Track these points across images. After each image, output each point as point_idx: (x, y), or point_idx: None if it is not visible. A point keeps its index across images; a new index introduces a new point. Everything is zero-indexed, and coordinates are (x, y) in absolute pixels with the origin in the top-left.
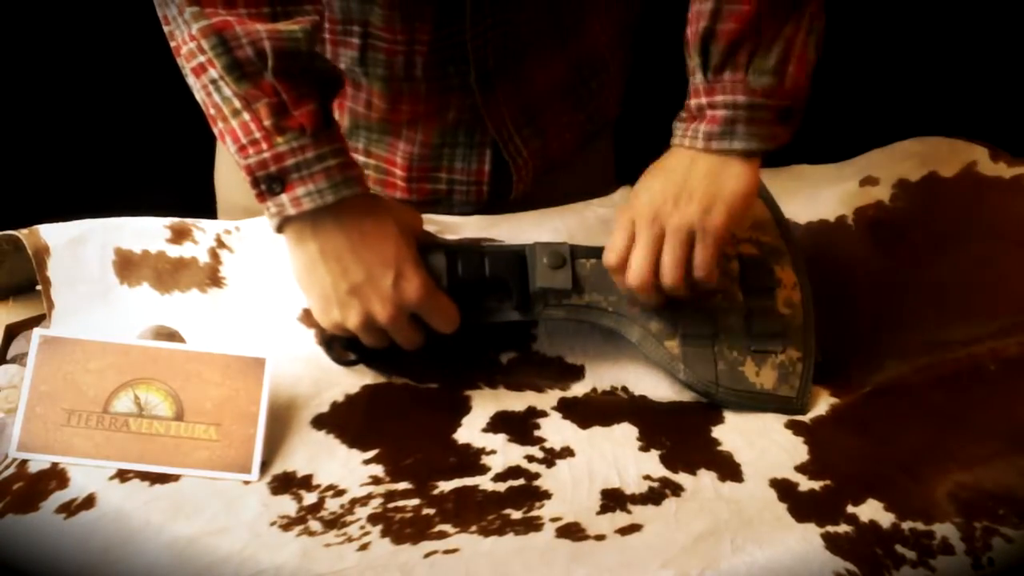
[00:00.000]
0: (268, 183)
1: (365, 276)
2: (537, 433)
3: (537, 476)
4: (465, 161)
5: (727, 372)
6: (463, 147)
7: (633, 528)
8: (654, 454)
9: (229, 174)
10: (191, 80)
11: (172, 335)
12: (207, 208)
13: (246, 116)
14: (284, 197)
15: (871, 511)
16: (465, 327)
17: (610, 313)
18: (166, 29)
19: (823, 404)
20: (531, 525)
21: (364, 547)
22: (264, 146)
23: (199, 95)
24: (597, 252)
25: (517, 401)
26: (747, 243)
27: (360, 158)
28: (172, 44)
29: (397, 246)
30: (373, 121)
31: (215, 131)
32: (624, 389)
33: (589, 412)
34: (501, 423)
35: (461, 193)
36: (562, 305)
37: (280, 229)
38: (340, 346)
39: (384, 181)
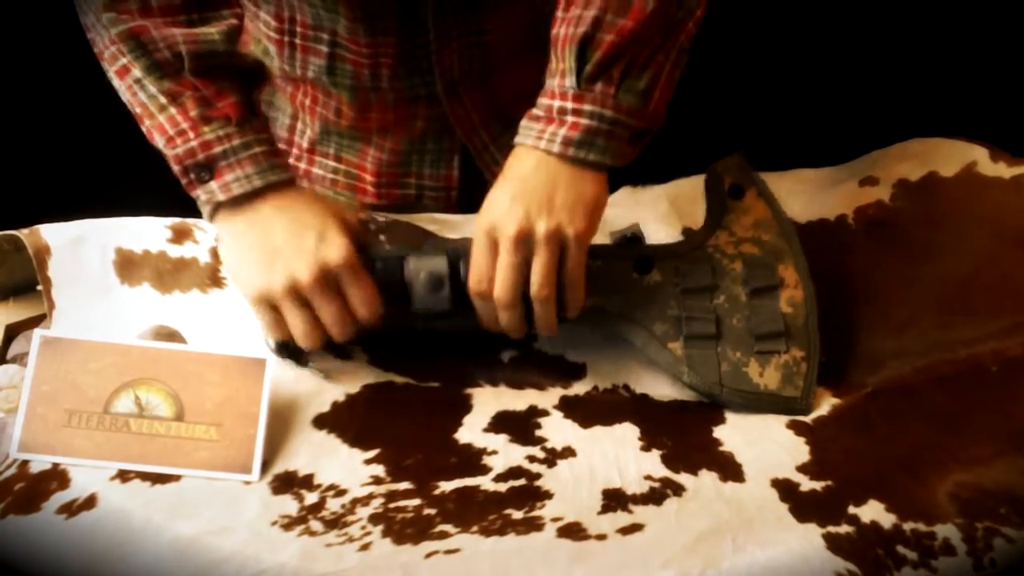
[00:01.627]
0: (197, 171)
1: (288, 236)
2: (538, 433)
3: (538, 476)
4: (434, 167)
5: (731, 373)
6: (432, 154)
7: (634, 528)
8: (655, 454)
9: None
10: (116, 82)
11: (172, 335)
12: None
13: (172, 110)
14: (213, 184)
15: (872, 512)
16: (468, 331)
17: (614, 316)
18: (88, 36)
19: (824, 404)
20: (532, 525)
21: (365, 547)
22: (191, 135)
23: (125, 95)
24: (603, 252)
25: (518, 400)
26: (749, 243)
27: (331, 163)
28: (95, 50)
29: (321, 215)
30: (343, 128)
31: (143, 129)
32: (626, 387)
33: (590, 411)
34: (502, 423)
35: (431, 199)
36: None
37: (212, 217)
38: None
39: (354, 187)
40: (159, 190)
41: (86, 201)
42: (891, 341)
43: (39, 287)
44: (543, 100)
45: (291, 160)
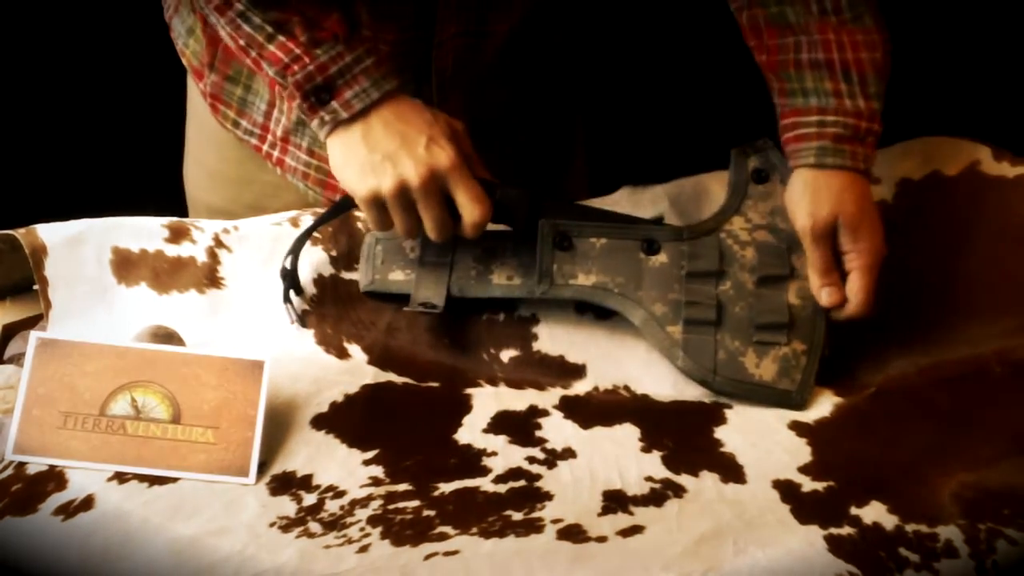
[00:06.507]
0: (317, 94)
1: (400, 141)
2: (538, 434)
3: (538, 477)
4: None
5: (726, 362)
6: None
7: (635, 530)
8: (656, 455)
9: (197, 173)
10: (214, 18)
11: (171, 335)
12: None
13: (281, 38)
14: (335, 103)
15: (874, 513)
16: (473, 301)
17: (616, 295)
18: None
19: (826, 405)
20: (532, 527)
21: (364, 549)
22: (307, 60)
23: (225, 31)
24: (611, 231)
25: (518, 400)
26: (764, 230)
27: (303, 156)
28: None
29: (431, 120)
30: None
31: (247, 62)
32: (626, 388)
33: (591, 412)
34: (502, 423)
35: None
36: (568, 285)
37: (329, 134)
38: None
39: (325, 182)
40: (157, 190)
41: (84, 201)
42: (894, 341)
43: (36, 287)
44: (848, 120)
45: (265, 147)
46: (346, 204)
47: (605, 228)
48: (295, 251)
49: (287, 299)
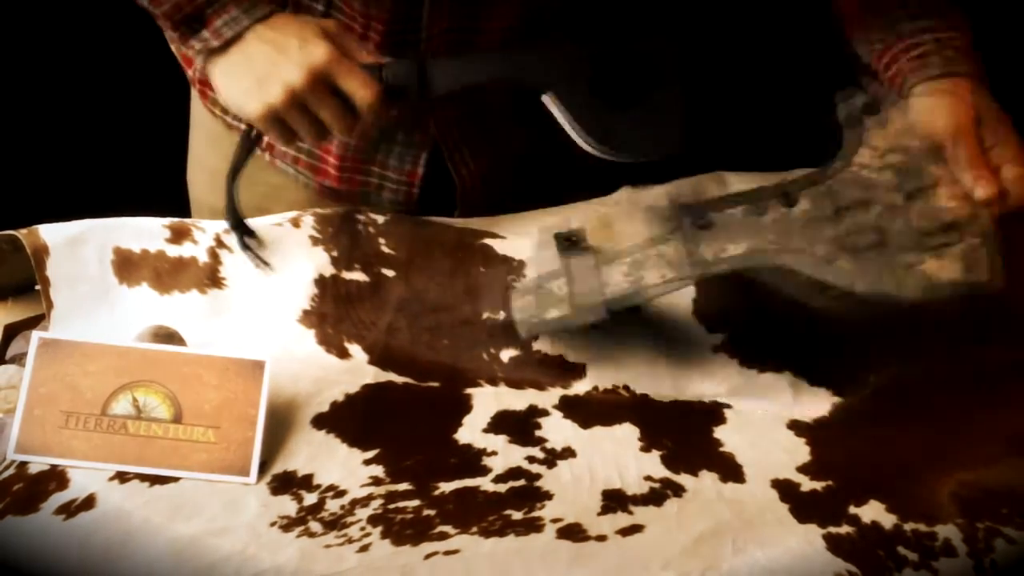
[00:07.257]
0: (188, 23)
1: (274, 51)
2: (538, 433)
3: (538, 477)
4: (399, 161)
5: (907, 275)
6: (400, 146)
7: (634, 529)
8: (655, 455)
9: (200, 175)
10: None
11: (172, 335)
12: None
13: None
14: (206, 32)
15: (873, 512)
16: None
17: (772, 252)
18: None
19: (825, 404)
20: (532, 526)
21: (364, 548)
22: None
23: None
24: (742, 198)
25: (518, 399)
26: (894, 152)
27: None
28: None
29: (299, 24)
30: None
31: None
32: (626, 387)
33: (591, 411)
34: (502, 423)
35: (391, 191)
36: (722, 259)
37: (207, 63)
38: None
39: (316, 167)
40: (159, 191)
41: (86, 202)
42: (893, 340)
43: (38, 287)
44: (958, 42)
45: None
46: (250, 136)
47: (737, 197)
48: (230, 196)
49: (244, 247)
